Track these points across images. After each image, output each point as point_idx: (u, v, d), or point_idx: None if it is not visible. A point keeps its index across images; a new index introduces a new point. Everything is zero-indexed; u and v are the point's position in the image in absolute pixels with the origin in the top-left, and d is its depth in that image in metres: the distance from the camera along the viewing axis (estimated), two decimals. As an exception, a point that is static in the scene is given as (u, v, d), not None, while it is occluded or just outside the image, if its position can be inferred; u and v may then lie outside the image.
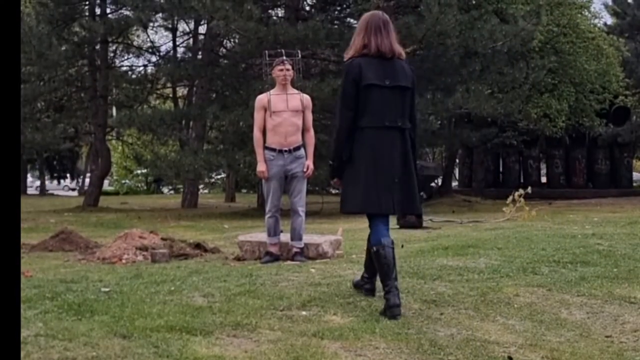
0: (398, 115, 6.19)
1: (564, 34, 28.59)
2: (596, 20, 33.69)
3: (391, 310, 5.92)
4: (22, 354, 4.48)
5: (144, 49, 34.70)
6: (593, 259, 8.75)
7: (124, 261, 9.98)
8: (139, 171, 52.44)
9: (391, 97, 6.16)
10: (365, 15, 6.41)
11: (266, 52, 10.48)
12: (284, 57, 9.70)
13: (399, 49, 6.26)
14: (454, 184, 37.38)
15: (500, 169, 36.79)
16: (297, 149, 9.39)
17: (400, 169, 6.19)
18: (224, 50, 30.48)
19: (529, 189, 16.61)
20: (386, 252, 6.13)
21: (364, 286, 6.64)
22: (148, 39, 37.27)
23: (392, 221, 15.62)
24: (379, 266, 6.18)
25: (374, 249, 6.21)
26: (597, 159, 34.45)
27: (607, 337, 5.91)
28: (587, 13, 31.98)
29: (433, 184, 31.43)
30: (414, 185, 6.30)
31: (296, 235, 9.37)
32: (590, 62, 28.78)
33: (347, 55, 6.36)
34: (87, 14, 29.23)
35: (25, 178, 52.38)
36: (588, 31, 29.88)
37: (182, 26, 34.28)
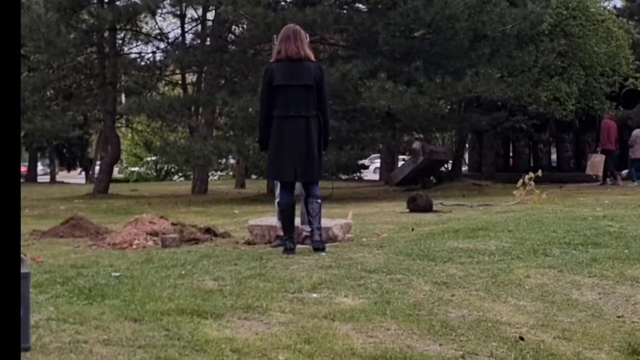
0: (302, 106, 8.07)
1: (574, 16, 28.40)
2: (606, 3, 33.46)
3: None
4: (34, 337, 4.50)
5: (152, 35, 34.60)
6: (604, 240, 8.75)
7: (134, 246, 9.98)
8: (148, 158, 52.40)
9: (296, 93, 8.07)
10: (282, 29, 8.43)
11: (275, 36, 10.46)
12: (293, 42, 9.67)
13: (307, 52, 8.19)
14: (464, 168, 37.22)
15: (510, 153, 36.63)
16: (306, 133, 9.41)
17: (304, 147, 8.06)
18: (233, 36, 30.40)
19: (540, 172, 16.55)
20: (288, 211, 8.32)
21: (285, 244, 8.22)
22: (156, 26, 37.12)
23: (402, 206, 15.64)
24: (282, 220, 8.48)
25: (281, 207, 8.46)
26: (607, 142, 34.25)
27: (618, 317, 5.91)
28: (596, -5, 31.82)
29: (443, 168, 31.35)
30: (314, 160, 8.13)
31: (306, 219, 9.36)
32: (600, 44, 28.59)
33: (271, 60, 8.49)
34: (95, 1, 29.13)
35: (35, 166, 52.41)
36: (598, 14, 29.67)
37: (190, 12, 34.10)
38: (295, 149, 8.07)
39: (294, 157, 8.08)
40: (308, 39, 8.64)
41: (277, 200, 9.36)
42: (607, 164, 25.87)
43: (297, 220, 9.51)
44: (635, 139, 26.24)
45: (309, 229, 9.24)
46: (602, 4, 32.36)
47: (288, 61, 8.14)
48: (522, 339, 5.25)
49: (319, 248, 8.17)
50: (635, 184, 24.66)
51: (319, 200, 8.42)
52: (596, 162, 25.86)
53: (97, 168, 43.62)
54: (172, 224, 11.25)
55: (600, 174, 25.86)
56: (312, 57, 8.31)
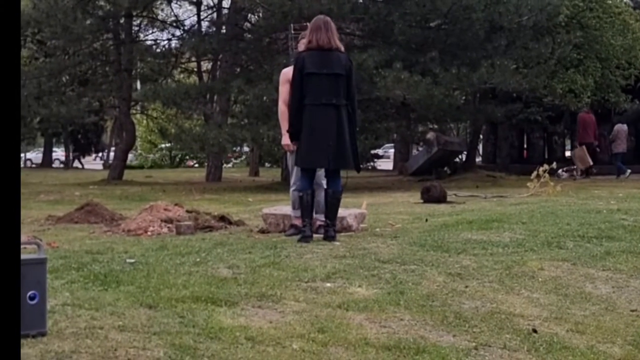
0: (333, 95, 8.26)
1: (590, 8, 28.29)
2: (623, -5, 33.37)
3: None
4: (50, 322, 4.53)
5: (168, 23, 34.63)
6: (618, 234, 8.74)
7: (149, 233, 10.01)
8: (163, 145, 52.52)
9: (327, 82, 8.26)
10: (313, 19, 8.60)
11: (292, 25, 10.49)
12: (310, 31, 9.67)
13: (337, 43, 8.40)
14: (478, 159, 37.17)
15: (525, 145, 36.59)
16: (321, 122, 9.42)
17: (336, 134, 8.24)
18: (249, 24, 30.36)
19: (554, 165, 16.51)
20: (307, 198, 8.43)
21: (304, 232, 8.36)
22: (172, 13, 37.18)
23: (416, 196, 15.64)
24: (301, 206, 8.55)
25: (300, 194, 8.53)
26: (622, 135, 34.14)
27: (632, 311, 5.91)
28: (613, -12, 31.70)
29: (457, 159, 31.32)
30: (346, 147, 8.32)
31: (320, 209, 9.36)
32: (616, 37, 28.46)
33: (300, 49, 8.76)
34: (111, -13, 29.18)
35: (51, 151, 52.59)
36: (614, 6, 29.55)
37: (206, 0, 34.22)
38: (327, 136, 8.24)
39: (326, 144, 8.24)
40: None
41: (292, 189, 9.38)
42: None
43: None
44: (617, 134, 26.76)
45: (323, 219, 9.27)
46: (619, -4, 32.23)
47: (319, 50, 8.32)
48: (535, 331, 5.26)
49: (332, 239, 8.27)
50: (627, 174, 24.86)
51: (340, 196, 8.61)
52: (581, 155, 26.29)
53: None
54: (187, 211, 11.27)
55: (591, 163, 26.18)
56: (342, 49, 8.54)
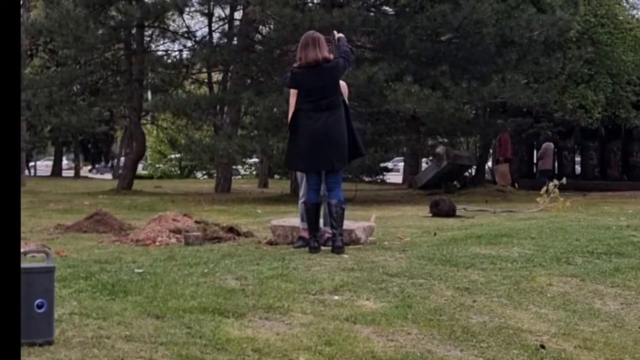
0: (329, 100, 8.61)
1: (602, 24, 28.28)
2: (634, 12, 33.40)
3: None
4: (57, 331, 4.53)
5: (179, 33, 34.67)
6: (627, 250, 8.71)
7: (157, 243, 10.02)
8: (172, 156, 52.55)
9: (322, 92, 8.60)
10: (303, 36, 8.99)
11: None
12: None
13: (325, 55, 8.71)
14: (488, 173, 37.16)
15: (535, 160, 36.54)
16: (331, 134, 9.44)
17: (335, 137, 8.56)
18: (260, 36, 30.38)
19: (564, 180, 16.50)
20: (313, 210, 8.74)
21: (310, 244, 8.63)
22: (184, 24, 37.22)
23: (425, 210, 15.62)
24: (307, 218, 8.85)
25: (307, 206, 8.85)
26: (632, 152, 33.99)
27: (640, 328, 5.89)
28: (625, 3, 31.69)
29: (466, 173, 31.27)
30: (343, 146, 8.66)
31: (329, 221, 9.35)
32: (627, 53, 28.46)
33: (295, 65, 9.01)
34: (123, -2, 29.25)
35: (60, 160, 52.65)
36: (626, 22, 29.58)
37: (217, 11, 34.17)
38: (327, 139, 8.57)
39: (325, 147, 8.57)
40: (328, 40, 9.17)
41: (300, 201, 9.38)
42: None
43: (320, 222, 9.53)
44: (545, 151, 27.18)
45: (331, 231, 9.26)
46: (630, 12, 32.24)
47: (309, 67, 8.68)
48: (543, 347, 5.24)
49: (339, 249, 8.36)
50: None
51: (344, 206, 8.76)
52: (504, 172, 26.72)
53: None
54: (196, 222, 11.28)
55: (510, 182, 26.76)
56: (330, 57, 8.83)
